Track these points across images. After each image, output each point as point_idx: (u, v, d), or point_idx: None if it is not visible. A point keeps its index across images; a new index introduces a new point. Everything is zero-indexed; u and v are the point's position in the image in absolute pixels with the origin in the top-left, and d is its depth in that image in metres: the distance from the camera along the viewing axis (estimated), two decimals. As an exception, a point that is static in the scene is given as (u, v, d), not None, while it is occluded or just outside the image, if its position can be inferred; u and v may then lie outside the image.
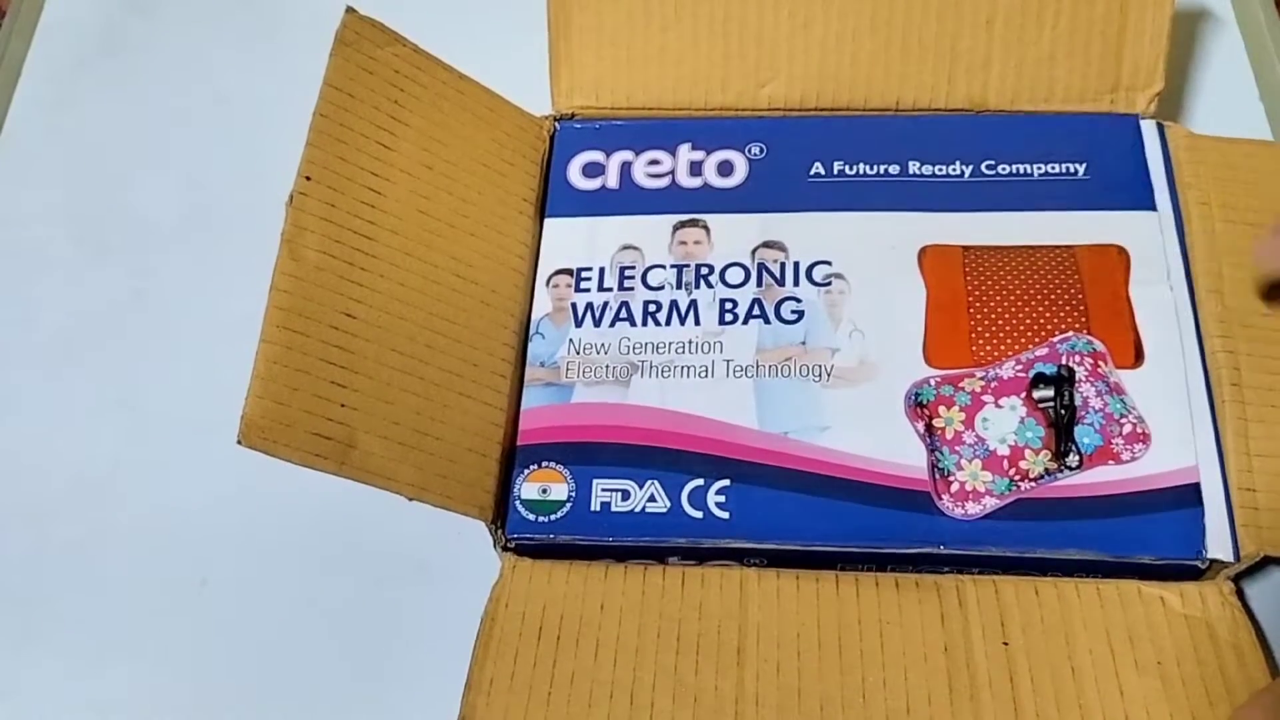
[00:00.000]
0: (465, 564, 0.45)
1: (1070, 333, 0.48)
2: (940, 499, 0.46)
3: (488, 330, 0.48)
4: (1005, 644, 0.44)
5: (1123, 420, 0.46)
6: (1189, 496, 0.45)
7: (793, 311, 0.50)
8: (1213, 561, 0.44)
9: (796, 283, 0.51)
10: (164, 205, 0.60)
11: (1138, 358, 0.48)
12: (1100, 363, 0.48)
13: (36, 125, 0.63)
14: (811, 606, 0.45)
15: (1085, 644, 0.44)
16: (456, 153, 0.50)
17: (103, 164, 0.62)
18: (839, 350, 0.49)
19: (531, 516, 0.47)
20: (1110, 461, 0.46)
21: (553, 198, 0.54)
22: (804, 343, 0.49)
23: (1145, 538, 0.45)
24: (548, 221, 0.53)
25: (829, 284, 0.50)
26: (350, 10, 0.47)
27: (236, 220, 0.58)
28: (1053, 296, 0.49)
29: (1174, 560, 0.44)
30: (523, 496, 0.47)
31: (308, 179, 0.44)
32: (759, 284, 0.51)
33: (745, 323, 0.50)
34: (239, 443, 0.39)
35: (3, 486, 0.54)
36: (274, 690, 0.49)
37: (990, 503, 0.46)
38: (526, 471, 0.48)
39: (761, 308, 0.50)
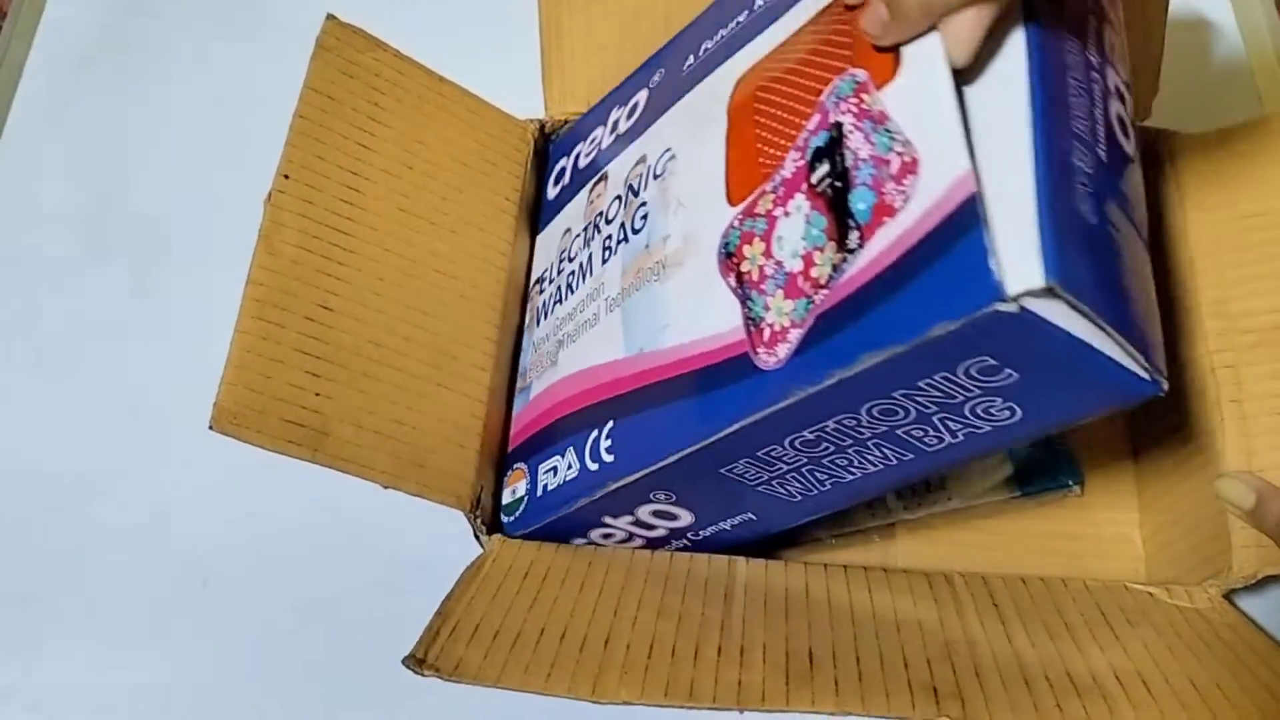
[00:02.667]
0: (463, 559, 0.45)
1: (835, 78, 0.39)
2: (756, 353, 0.39)
3: (467, 324, 0.49)
4: (995, 604, 0.44)
5: (889, 156, 0.36)
6: (966, 218, 0.33)
7: (640, 217, 0.47)
8: (1032, 317, 0.32)
9: (646, 186, 0.47)
10: (164, 205, 0.61)
11: (895, 66, 0.37)
12: (863, 96, 0.38)
13: (37, 125, 0.64)
14: (798, 575, 0.46)
15: (1075, 609, 0.44)
16: (437, 153, 0.50)
17: (103, 164, 0.62)
18: (669, 236, 0.45)
19: (508, 519, 0.48)
20: (886, 219, 0.35)
21: (543, 212, 0.55)
22: (648, 245, 0.46)
23: (933, 301, 0.33)
24: (539, 236, 0.54)
25: (664, 170, 0.47)
26: (331, 17, 0.48)
27: (236, 220, 0.58)
28: (824, 53, 0.41)
29: (973, 316, 0.32)
30: (504, 502, 0.48)
31: (286, 177, 0.45)
32: (624, 205, 0.48)
33: (615, 252, 0.48)
34: (210, 428, 0.39)
35: (3, 486, 0.55)
36: (274, 690, 0.50)
37: (795, 335, 0.38)
38: (506, 477, 0.49)
39: (623, 228, 0.48)
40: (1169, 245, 0.51)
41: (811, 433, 0.39)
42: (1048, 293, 0.31)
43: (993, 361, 0.33)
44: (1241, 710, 0.39)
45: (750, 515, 0.45)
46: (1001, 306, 0.31)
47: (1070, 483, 0.52)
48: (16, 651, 0.51)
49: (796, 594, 0.44)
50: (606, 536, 0.48)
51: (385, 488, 0.43)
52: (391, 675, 0.38)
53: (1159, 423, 0.51)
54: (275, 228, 0.44)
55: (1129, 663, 0.41)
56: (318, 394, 0.42)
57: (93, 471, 0.55)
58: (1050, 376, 0.34)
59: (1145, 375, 0.33)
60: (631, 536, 0.48)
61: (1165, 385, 0.34)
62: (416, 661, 0.38)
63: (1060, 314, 0.31)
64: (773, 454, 0.40)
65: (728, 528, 0.47)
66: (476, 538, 0.47)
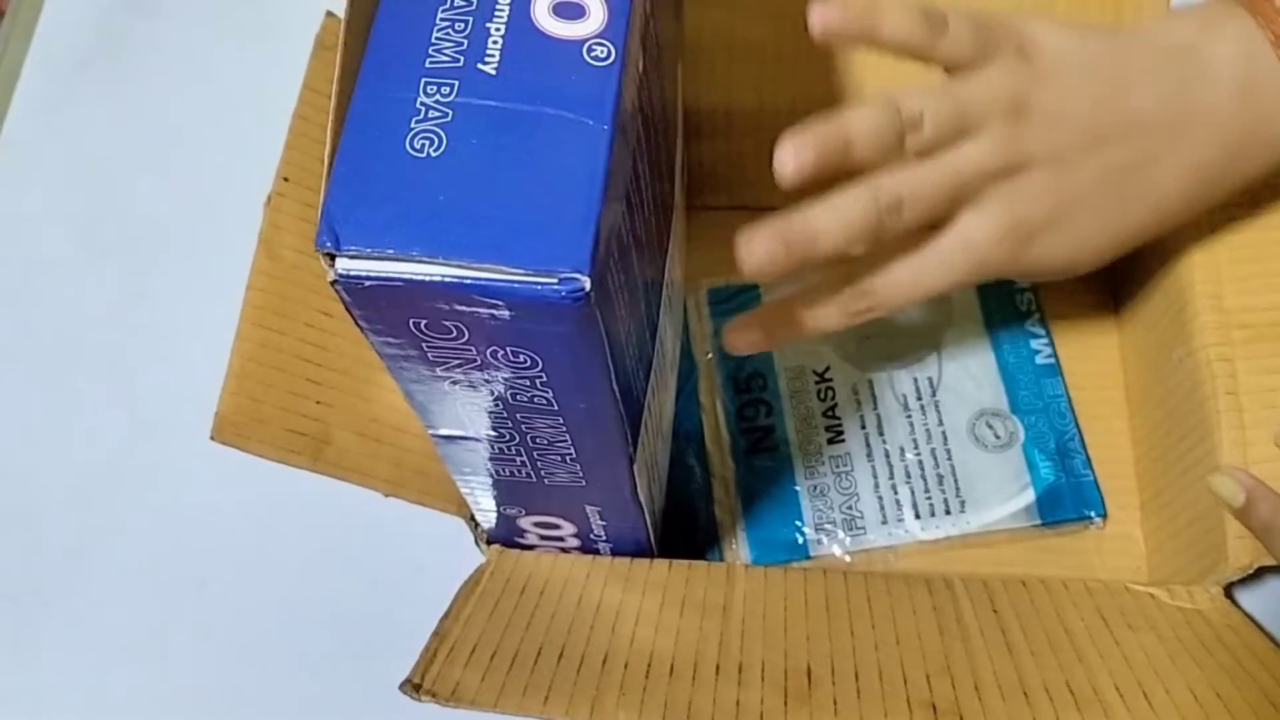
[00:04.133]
0: (463, 566, 0.45)
1: None
2: None
3: (470, 327, 0.48)
4: (995, 611, 0.44)
5: None
6: None
7: None
8: (358, 279, 0.31)
9: None
10: (163, 205, 0.61)
11: None
12: None
13: (36, 126, 0.63)
14: (798, 583, 0.45)
15: (1076, 615, 0.44)
16: (439, 152, 0.50)
17: (102, 164, 0.62)
18: None
19: None
20: None
21: None
22: None
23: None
24: None
25: None
26: (331, 15, 0.47)
27: (235, 220, 0.58)
28: None
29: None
30: None
31: (286, 180, 0.44)
32: None
33: None
34: (211, 438, 0.39)
35: (2, 488, 0.55)
36: (274, 691, 0.50)
37: None
38: None
39: None
40: (1166, 241, 0.51)
41: (469, 417, 0.38)
42: (341, 253, 0.30)
43: (424, 320, 0.32)
44: (1241, 720, 0.39)
45: (598, 507, 0.44)
46: (331, 276, 0.31)
47: (1093, 515, 0.52)
48: (16, 651, 0.51)
49: (795, 604, 0.44)
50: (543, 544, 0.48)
51: (387, 495, 0.43)
52: (389, 679, 0.38)
53: (1157, 416, 0.52)
54: (275, 231, 0.44)
55: (1129, 671, 0.41)
56: (319, 402, 0.42)
57: (91, 472, 0.55)
58: (486, 323, 0.32)
59: (530, 280, 0.30)
60: (562, 548, 0.48)
61: (578, 282, 0.30)
62: (414, 687, 0.38)
63: (379, 267, 0.30)
64: (487, 454, 0.40)
65: (606, 524, 0.45)
66: (477, 544, 0.47)
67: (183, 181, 0.62)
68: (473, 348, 0.33)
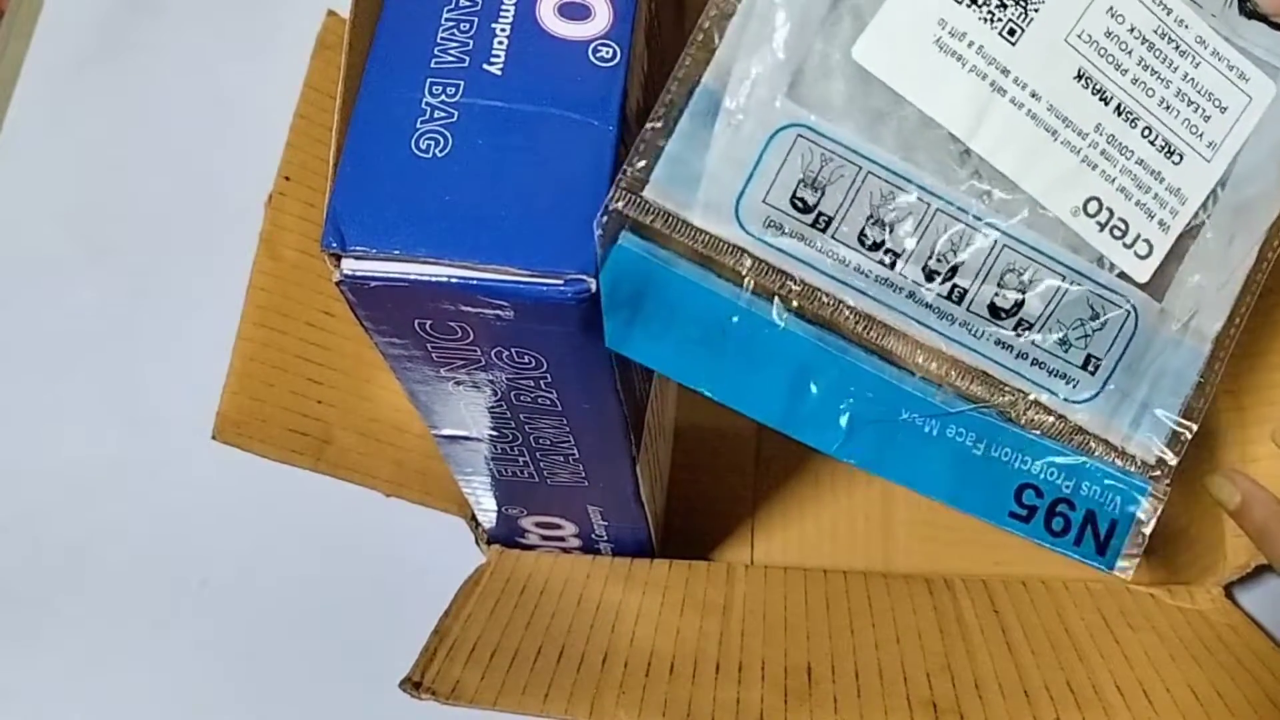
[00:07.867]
0: (463, 566, 0.45)
1: None
2: None
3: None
4: (995, 611, 0.44)
5: None
6: None
7: None
8: (361, 279, 0.31)
9: None
10: (163, 205, 0.61)
11: None
12: None
13: (36, 125, 0.63)
14: (798, 582, 0.45)
15: (1076, 615, 0.44)
16: (441, 152, 0.50)
17: (103, 164, 0.62)
18: None
19: None
20: None
21: None
22: None
23: None
24: None
25: None
26: (332, 14, 0.47)
27: (236, 220, 0.58)
28: None
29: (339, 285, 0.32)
30: None
31: (287, 179, 0.44)
32: None
33: None
34: (213, 438, 0.39)
35: (2, 486, 0.55)
36: (274, 690, 0.50)
37: None
38: None
39: None
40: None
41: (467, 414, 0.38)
42: (347, 254, 0.30)
43: (429, 321, 0.32)
44: (1242, 719, 0.39)
45: (600, 508, 0.44)
46: (336, 276, 0.31)
47: None
48: (16, 651, 0.51)
49: (796, 604, 0.44)
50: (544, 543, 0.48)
51: (388, 496, 0.43)
52: (389, 678, 0.38)
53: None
54: (276, 231, 0.44)
55: (1130, 671, 0.41)
56: (320, 401, 0.42)
57: (92, 472, 0.55)
58: (491, 323, 0.32)
59: (535, 281, 0.30)
60: (563, 548, 0.48)
61: (584, 283, 0.30)
62: (413, 685, 0.38)
63: (385, 267, 0.31)
64: (489, 454, 0.40)
65: (608, 524, 0.46)
66: (478, 544, 0.47)
67: (183, 181, 0.61)
68: (477, 348, 0.33)
